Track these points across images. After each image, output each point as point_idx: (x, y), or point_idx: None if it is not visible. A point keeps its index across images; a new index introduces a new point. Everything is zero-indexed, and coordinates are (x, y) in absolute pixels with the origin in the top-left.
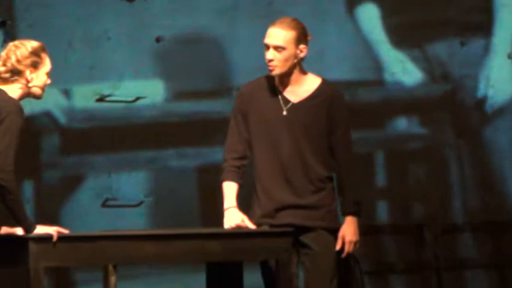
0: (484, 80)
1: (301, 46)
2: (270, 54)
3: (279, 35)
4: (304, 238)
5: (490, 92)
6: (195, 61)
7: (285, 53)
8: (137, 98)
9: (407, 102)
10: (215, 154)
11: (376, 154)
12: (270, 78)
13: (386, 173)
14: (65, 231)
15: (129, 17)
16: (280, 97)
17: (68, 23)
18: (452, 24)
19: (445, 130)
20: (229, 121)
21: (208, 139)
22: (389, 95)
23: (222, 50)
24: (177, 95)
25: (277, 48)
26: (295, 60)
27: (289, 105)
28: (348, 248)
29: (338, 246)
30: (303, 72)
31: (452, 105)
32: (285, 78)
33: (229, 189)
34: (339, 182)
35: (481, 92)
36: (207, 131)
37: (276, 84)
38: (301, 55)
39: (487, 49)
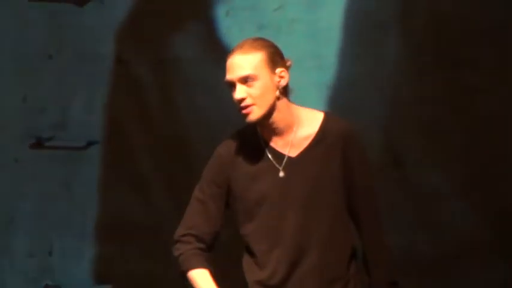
0: None
1: (279, 70)
2: (239, 91)
3: (243, 62)
4: None
5: None
6: None
7: (258, 84)
8: (89, 144)
9: None
10: None
11: None
12: (251, 131)
13: None
14: None
15: (78, 27)
16: (270, 153)
17: None
18: None
19: None
20: (193, 192)
21: None
22: None
23: None
24: None
25: (245, 80)
26: (277, 93)
27: (285, 161)
28: None
29: None
30: (294, 108)
31: None
32: (271, 124)
33: (203, 280)
34: (364, 255)
35: None
36: None
37: (260, 136)
38: (283, 82)
39: None
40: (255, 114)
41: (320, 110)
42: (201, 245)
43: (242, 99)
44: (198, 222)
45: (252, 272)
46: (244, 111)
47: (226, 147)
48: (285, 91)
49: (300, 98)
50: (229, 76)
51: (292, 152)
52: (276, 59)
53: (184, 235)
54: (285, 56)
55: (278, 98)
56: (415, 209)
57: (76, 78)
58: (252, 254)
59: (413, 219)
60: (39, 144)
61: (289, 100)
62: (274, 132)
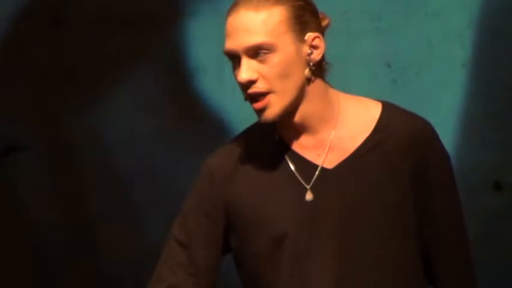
0: None
1: (310, 36)
2: (246, 70)
3: (251, 23)
4: None
5: None
6: None
7: (277, 58)
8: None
9: None
10: None
11: None
12: (263, 128)
13: None
14: None
15: None
16: (292, 162)
17: None
18: None
19: None
20: (171, 231)
21: None
22: None
23: None
24: None
25: (256, 52)
26: (307, 72)
27: (316, 175)
28: None
29: None
30: (334, 94)
31: None
32: (297, 120)
33: None
34: None
35: None
36: None
37: (278, 138)
38: (316, 55)
39: None
40: (274, 109)
41: (376, 100)
42: None
43: (251, 82)
44: (179, 278)
45: None
46: (256, 106)
47: (221, 158)
48: (319, 68)
49: (345, 80)
50: (230, 45)
51: (329, 161)
52: (305, 17)
53: None
54: (320, 12)
55: (309, 80)
56: None
57: None
58: None
59: None
60: None
61: (325, 82)
62: (301, 129)
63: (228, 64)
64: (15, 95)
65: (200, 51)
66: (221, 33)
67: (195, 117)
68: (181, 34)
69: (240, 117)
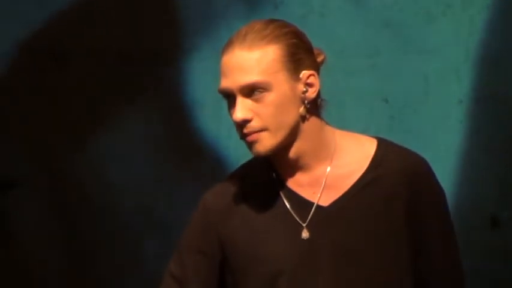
0: None
1: (305, 73)
2: (241, 109)
3: (246, 62)
4: None
5: None
6: None
7: (272, 97)
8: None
9: None
10: None
11: None
12: (259, 164)
13: None
14: None
15: None
16: (288, 199)
17: None
18: None
19: None
20: (167, 266)
21: None
22: None
23: None
24: None
25: (251, 90)
26: (302, 109)
27: (312, 213)
28: None
29: None
30: (329, 132)
31: None
32: (291, 156)
33: None
34: None
35: None
36: None
37: (274, 175)
38: (311, 94)
39: None
40: (265, 144)
41: (372, 136)
42: None
43: (245, 121)
44: None
45: None
46: (248, 139)
47: (218, 194)
48: (315, 106)
49: (342, 116)
50: (225, 83)
51: (325, 198)
52: (299, 55)
53: None
54: (315, 47)
55: (304, 118)
56: None
57: None
58: None
59: None
60: None
61: (321, 119)
62: (297, 167)
63: (225, 101)
64: (13, 131)
65: (198, 88)
66: (219, 70)
67: (193, 153)
68: (179, 71)
69: (237, 153)
